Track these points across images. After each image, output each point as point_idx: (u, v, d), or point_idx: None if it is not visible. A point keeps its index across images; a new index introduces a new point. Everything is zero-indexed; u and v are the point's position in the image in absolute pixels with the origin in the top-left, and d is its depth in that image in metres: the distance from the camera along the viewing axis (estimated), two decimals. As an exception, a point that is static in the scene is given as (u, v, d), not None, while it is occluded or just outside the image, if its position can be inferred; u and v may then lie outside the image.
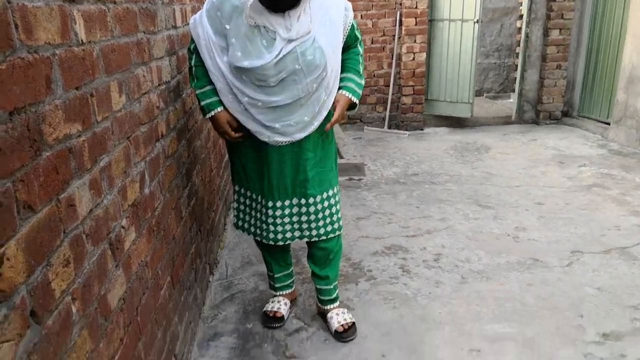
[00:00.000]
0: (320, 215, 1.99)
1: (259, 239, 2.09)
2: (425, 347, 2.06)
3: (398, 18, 5.59)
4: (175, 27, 2.07)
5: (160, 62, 1.81)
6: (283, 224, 1.98)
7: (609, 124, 5.32)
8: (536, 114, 6.00)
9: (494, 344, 2.07)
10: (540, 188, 3.85)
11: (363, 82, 1.97)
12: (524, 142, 5.21)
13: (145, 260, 1.53)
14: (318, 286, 2.20)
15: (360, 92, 1.95)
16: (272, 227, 1.98)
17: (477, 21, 5.37)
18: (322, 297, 2.21)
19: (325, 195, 1.98)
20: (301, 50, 1.72)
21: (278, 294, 2.32)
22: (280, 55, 1.70)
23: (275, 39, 1.71)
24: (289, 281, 2.32)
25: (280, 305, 2.26)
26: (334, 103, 1.90)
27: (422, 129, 5.84)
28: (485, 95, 7.35)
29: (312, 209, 1.97)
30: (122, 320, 1.33)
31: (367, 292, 2.48)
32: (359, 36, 1.94)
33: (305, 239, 2.04)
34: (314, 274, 2.18)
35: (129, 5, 1.49)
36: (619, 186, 3.83)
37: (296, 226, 2.00)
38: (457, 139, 5.39)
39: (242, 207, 2.10)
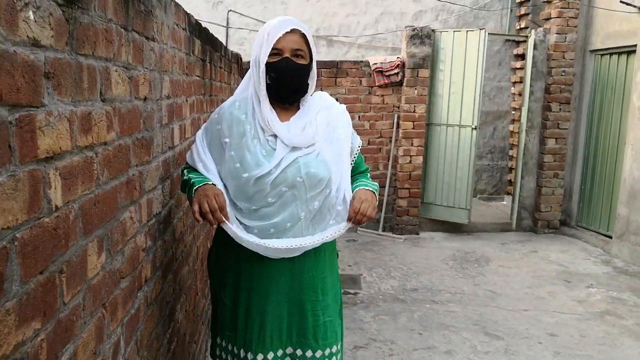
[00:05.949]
0: None
1: None
2: None
3: (396, 121, 5.54)
4: (172, 147, 1.85)
5: (152, 193, 1.57)
6: None
7: (609, 237, 5.16)
8: (534, 221, 5.84)
9: None
10: (550, 314, 3.57)
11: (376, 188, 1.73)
12: (525, 254, 4.99)
13: None
14: None
15: (375, 189, 1.70)
16: None
17: (475, 128, 5.32)
18: None
19: (327, 351, 1.68)
20: (304, 162, 1.57)
21: None
22: (282, 166, 1.55)
23: (275, 149, 1.56)
24: None
25: None
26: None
27: (417, 234, 5.61)
28: (478, 196, 7.21)
29: None
30: None
31: None
32: (367, 167, 1.84)
33: None
34: None
35: (122, 142, 1.27)
36: (632, 315, 3.57)
37: None
38: (455, 247, 5.15)
39: None
